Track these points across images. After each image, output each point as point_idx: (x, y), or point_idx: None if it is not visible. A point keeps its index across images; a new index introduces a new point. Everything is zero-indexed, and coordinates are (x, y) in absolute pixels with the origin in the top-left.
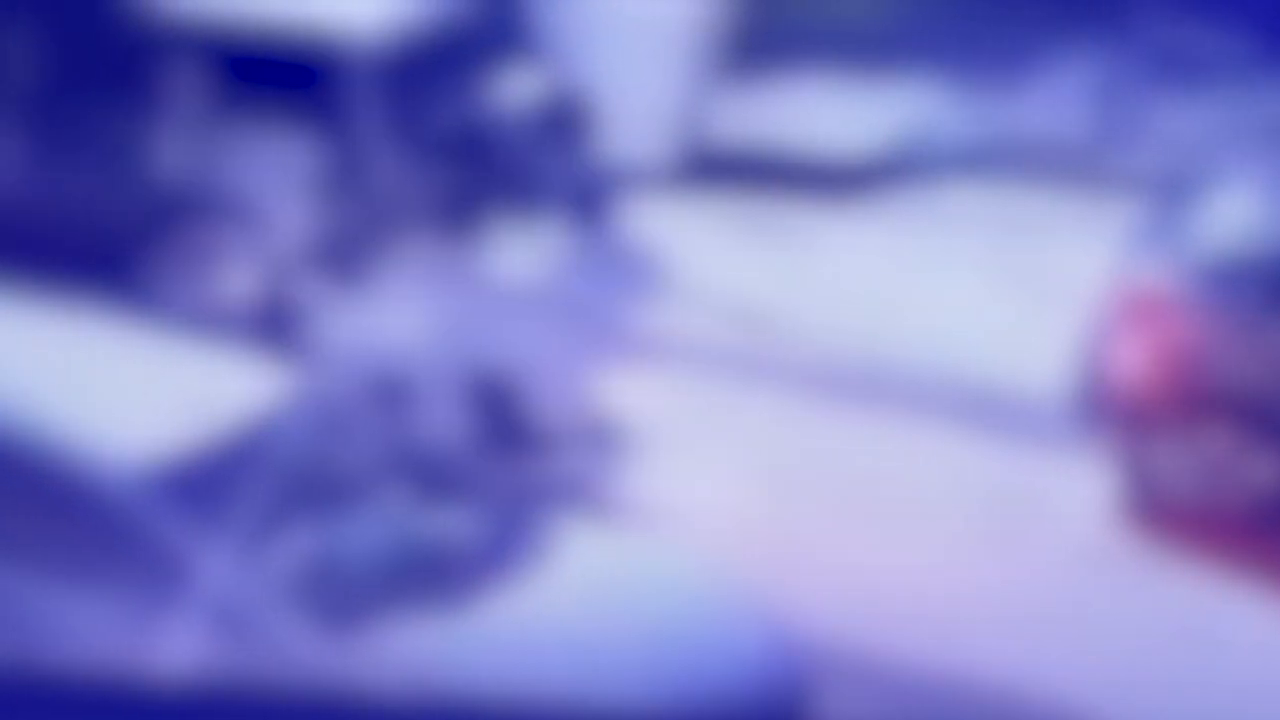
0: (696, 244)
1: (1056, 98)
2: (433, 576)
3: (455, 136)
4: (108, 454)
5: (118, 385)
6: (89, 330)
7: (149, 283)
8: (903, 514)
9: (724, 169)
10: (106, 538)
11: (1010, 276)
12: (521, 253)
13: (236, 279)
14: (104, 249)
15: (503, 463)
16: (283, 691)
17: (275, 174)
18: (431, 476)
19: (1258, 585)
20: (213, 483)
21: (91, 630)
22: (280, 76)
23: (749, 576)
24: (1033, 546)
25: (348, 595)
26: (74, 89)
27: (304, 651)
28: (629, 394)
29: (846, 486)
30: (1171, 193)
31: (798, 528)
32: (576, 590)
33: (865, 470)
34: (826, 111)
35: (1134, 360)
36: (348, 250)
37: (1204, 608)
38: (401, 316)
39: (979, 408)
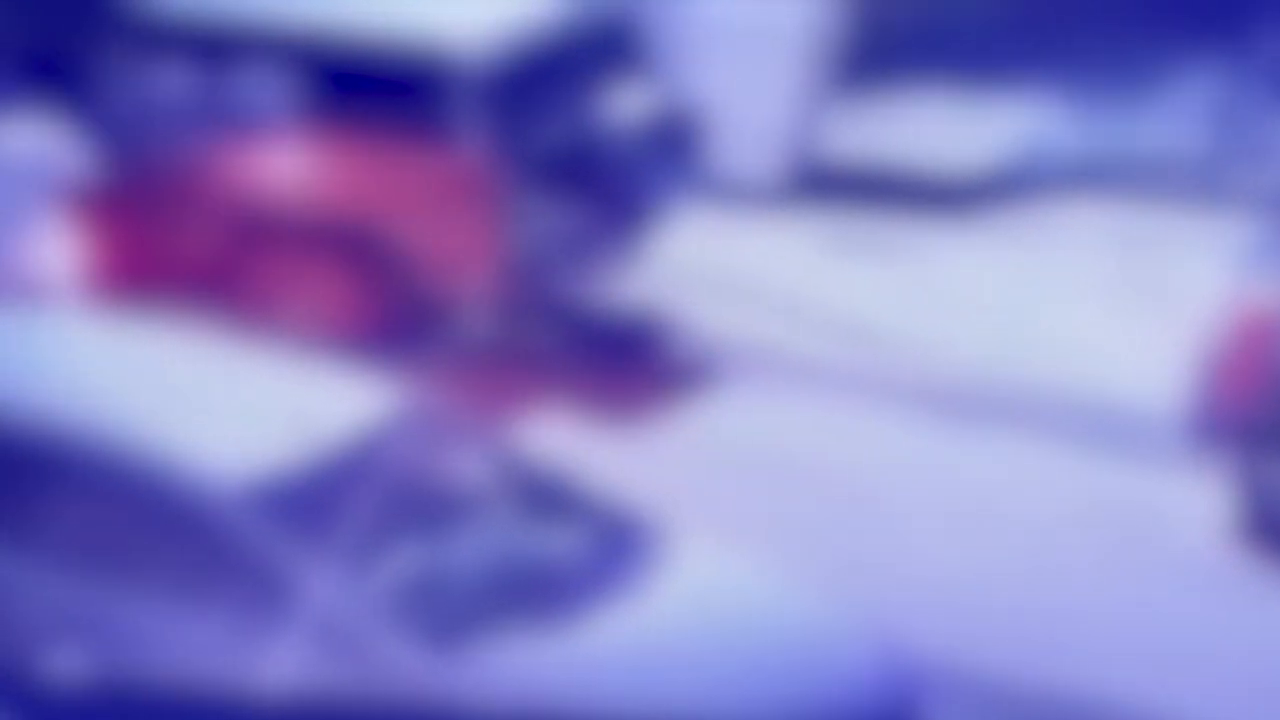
0: (808, 260)
1: (1174, 113)
2: (539, 593)
3: (564, 150)
4: (213, 471)
5: (223, 402)
6: (194, 347)
7: (254, 300)
8: (1016, 529)
9: (836, 184)
10: (212, 554)
11: (1126, 292)
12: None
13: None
14: (214, 269)
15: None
16: (387, 708)
17: (382, 194)
18: (538, 493)
19: None
20: (318, 499)
21: (197, 646)
22: (390, 90)
23: (858, 593)
24: (1148, 562)
25: (453, 612)
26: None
27: (409, 668)
28: (742, 408)
29: (961, 503)
30: None
31: (909, 543)
32: (684, 607)
33: (979, 486)
34: (940, 127)
35: (1250, 376)
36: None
37: None
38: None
39: (1094, 423)
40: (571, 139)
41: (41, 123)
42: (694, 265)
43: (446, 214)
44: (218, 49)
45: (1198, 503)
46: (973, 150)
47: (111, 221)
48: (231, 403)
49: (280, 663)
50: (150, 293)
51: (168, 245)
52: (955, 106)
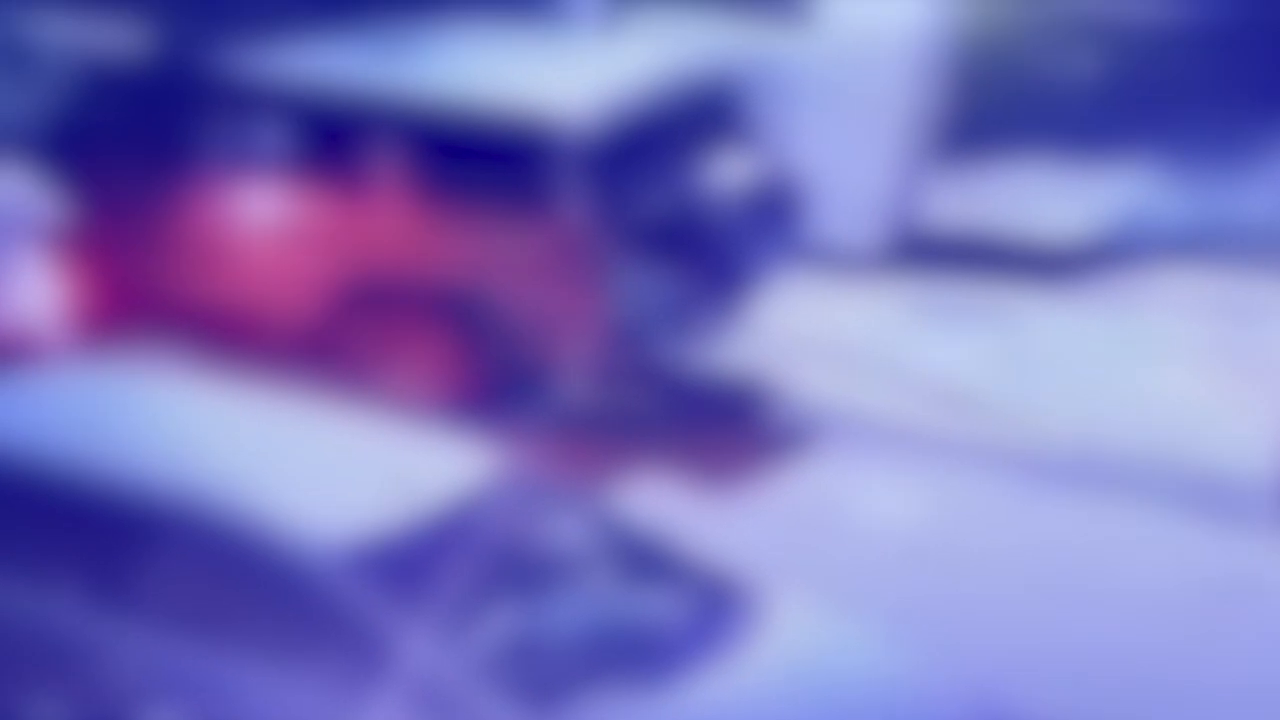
0: (907, 326)
1: (1275, 182)
2: (637, 656)
3: (666, 216)
4: (313, 533)
5: (324, 464)
6: (295, 408)
7: (356, 362)
8: (1110, 596)
9: (936, 251)
10: (311, 616)
11: (1225, 360)
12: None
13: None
14: (317, 332)
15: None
16: None
17: (484, 260)
18: (637, 556)
19: None
20: (417, 562)
21: (295, 708)
22: (494, 157)
23: (957, 658)
24: (1248, 633)
25: (551, 675)
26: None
27: None
28: (841, 473)
29: (1055, 569)
30: None
31: (1008, 611)
32: (782, 669)
33: (1073, 552)
34: (1042, 193)
35: None
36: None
37: None
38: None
39: (1193, 492)
40: (673, 205)
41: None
42: (794, 331)
43: (549, 280)
44: (322, 116)
45: None
46: (1074, 217)
47: (218, 282)
48: (332, 465)
49: None
50: (254, 353)
51: (270, 306)
52: (1057, 173)
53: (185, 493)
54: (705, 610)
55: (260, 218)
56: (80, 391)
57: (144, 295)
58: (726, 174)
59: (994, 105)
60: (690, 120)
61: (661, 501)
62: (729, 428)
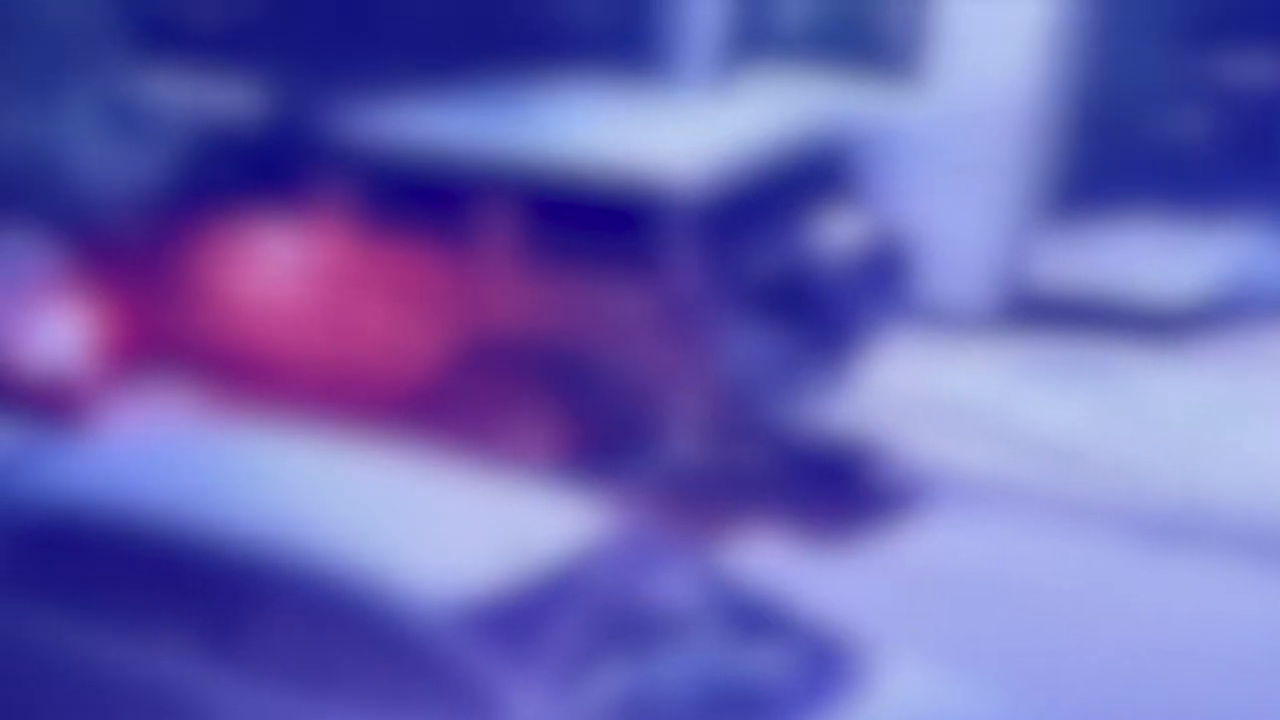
0: (1017, 385)
1: None
2: (745, 714)
3: (775, 276)
4: (423, 591)
5: (434, 523)
6: (406, 469)
7: (466, 423)
8: (1218, 658)
9: (1047, 310)
10: (420, 674)
11: None
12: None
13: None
14: (427, 392)
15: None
16: None
17: (595, 319)
18: (745, 614)
19: None
20: (524, 620)
21: None
22: (603, 217)
23: (1062, 716)
24: None
25: None
26: (388, 235)
27: None
28: (950, 532)
29: (1163, 629)
30: None
31: (1113, 668)
32: None
33: (1183, 612)
34: (1153, 253)
35: None
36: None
37: None
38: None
39: None
40: (783, 265)
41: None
42: (904, 390)
43: (659, 339)
44: (434, 177)
45: None
46: (1183, 277)
47: (330, 341)
48: (444, 523)
49: None
50: (365, 412)
51: (382, 365)
52: (1167, 233)
53: (298, 550)
54: (813, 669)
55: (373, 279)
56: (199, 451)
57: (258, 356)
58: (836, 233)
59: (1104, 165)
60: (800, 180)
61: (770, 560)
62: (838, 487)
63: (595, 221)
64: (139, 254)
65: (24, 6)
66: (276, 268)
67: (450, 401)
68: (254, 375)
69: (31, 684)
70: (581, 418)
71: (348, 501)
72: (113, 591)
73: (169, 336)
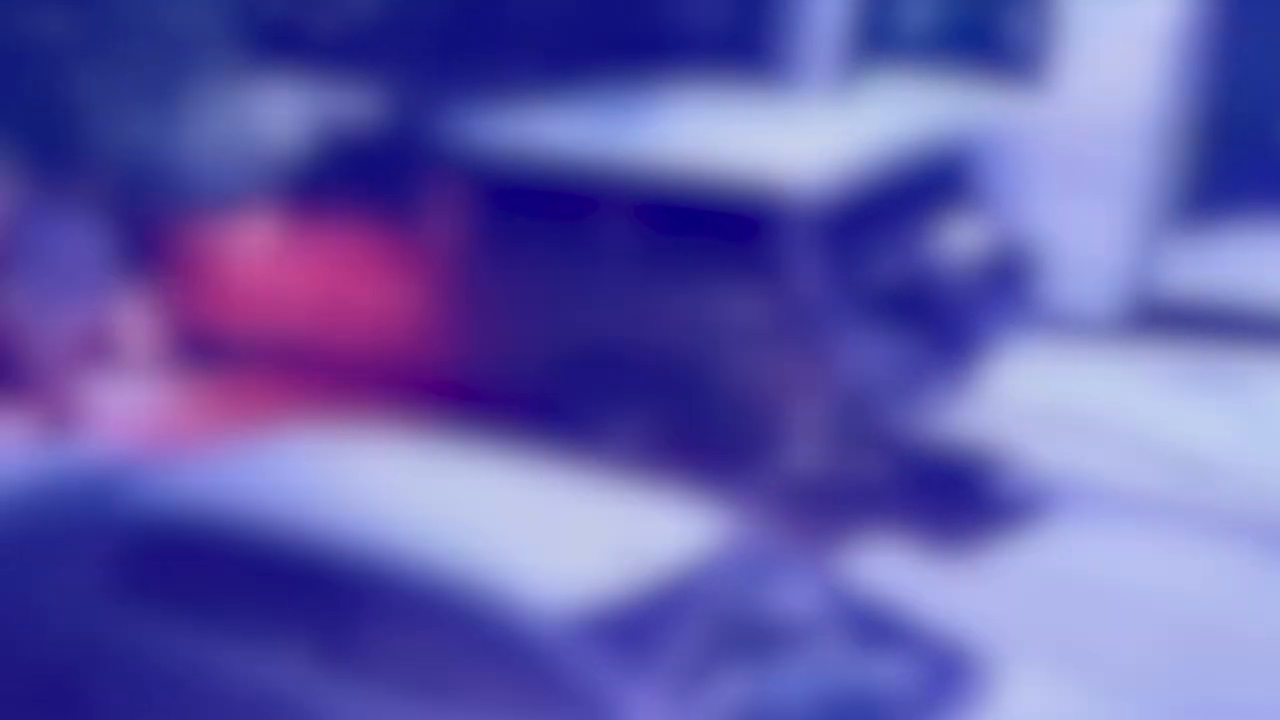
0: (1145, 394)
1: None
2: None
3: (898, 283)
4: (538, 598)
5: (548, 530)
6: (522, 477)
7: (583, 429)
8: None
9: (1175, 318)
10: (537, 683)
11: None
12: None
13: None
14: (543, 399)
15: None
16: None
17: (714, 326)
18: (866, 623)
19: None
20: (641, 629)
21: None
22: (724, 225)
23: None
24: None
25: None
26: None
27: None
28: (1077, 542)
29: None
30: None
31: (1243, 679)
32: None
33: None
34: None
35: None
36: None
37: None
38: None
39: None
40: (905, 272)
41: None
42: (1029, 399)
43: (780, 346)
44: (550, 183)
45: None
46: None
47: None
48: (560, 532)
49: None
50: (482, 419)
51: (499, 372)
52: None
53: (414, 558)
54: (935, 680)
55: (488, 285)
56: (315, 459)
57: (371, 359)
58: (960, 240)
59: (1232, 170)
60: (923, 186)
61: (892, 570)
62: (961, 496)
63: (715, 227)
64: (252, 257)
65: (143, 11)
66: (392, 272)
67: (569, 409)
68: (370, 379)
69: (149, 697)
70: (702, 427)
71: (465, 509)
72: (229, 604)
73: (275, 337)
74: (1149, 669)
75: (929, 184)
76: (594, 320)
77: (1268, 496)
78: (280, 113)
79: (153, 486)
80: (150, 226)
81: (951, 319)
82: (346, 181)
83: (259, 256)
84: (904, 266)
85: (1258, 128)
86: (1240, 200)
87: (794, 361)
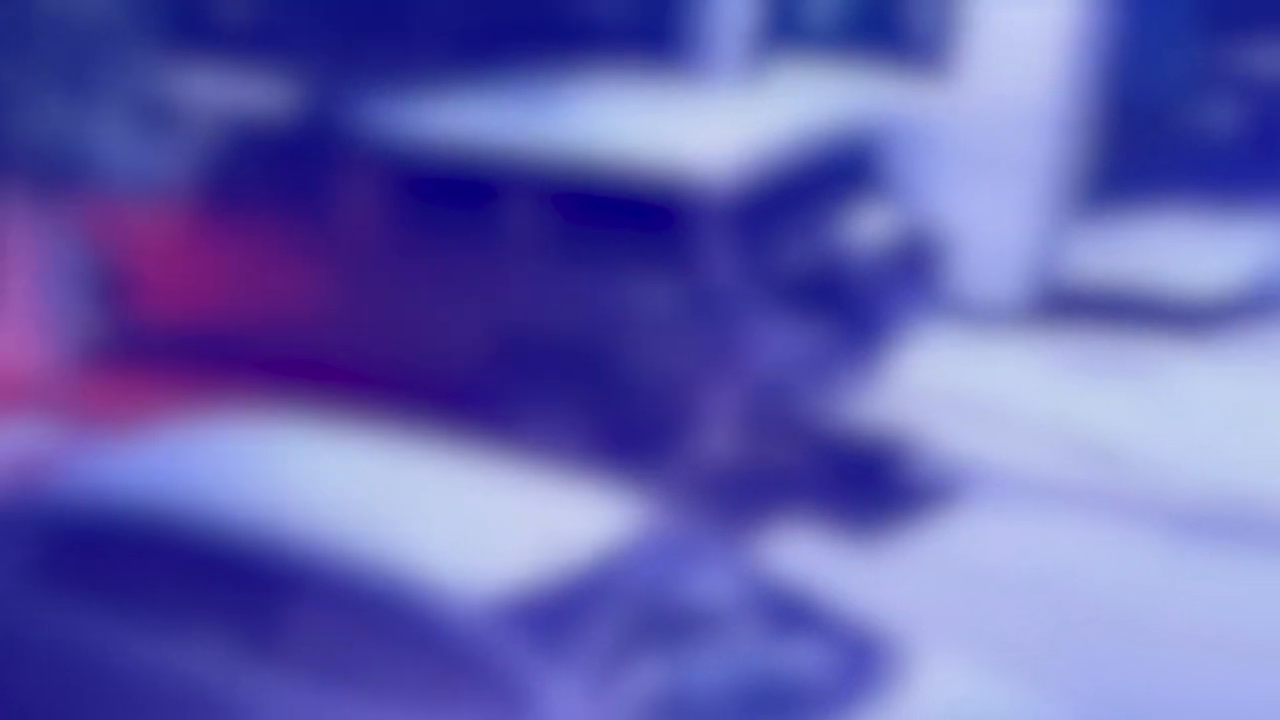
0: (1050, 380)
1: None
2: (781, 710)
3: (806, 272)
4: (457, 586)
5: (467, 518)
6: (439, 464)
7: (498, 418)
8: (1260, 652)
9: (1078, 305)
10: (457, 669)
11: None
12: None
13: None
14: (458, 387)
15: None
16: None
17: (626, 315)
18: (781, 609)
19: None
20: (560, 616)
21: None
22: (633, 213)
23: (1098, 711)
24: None
25: None
26: (416, 229)
27: None
28: (983, 527)
29: (1198, 622)
30: None
31: (1147, 661)
32: None
33: (1218, 605)
34: (1184, 247)
35: None
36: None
37: None
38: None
39: None
40: (814, 261)
41: None
42: (937, 386)
43: (691, 335)
44: (461, 172)
45: None
46: (1217, 271)
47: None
48: (478, 519)
49: None
50: (399, 407)
51: (412, 360)
52: (1201, 227)
53: (332, 546)
54: (850, 666)
55: (400, 273)
56: (230, 447)
57: (287, 346)
58: (867, 229)
59: (1134, 159)
60: (831, 175)
61: (806, 556)
62: (872, 482)
63: (626, 216)
64: (165, 246)
65: (54, 2)
66: (305, 260)
67: (483, 397)
68: (279, 368)
69: (69, 685)
70: (614, 414)
71: (383, 496)
72: (149, 591)
73: (192, 325)
74: (1057, 654)
75: (836, 173)
76: (508, 310)
77: (1172, 481)
78: (195, 101)
79: (70, 475)
80: (65, 215)
81: (860, 307)
82: (260, 169)
83: (173, 245)
84: (813, 255)
85: (1159, 117)
86: (1141, 188)
87: (706, 349)
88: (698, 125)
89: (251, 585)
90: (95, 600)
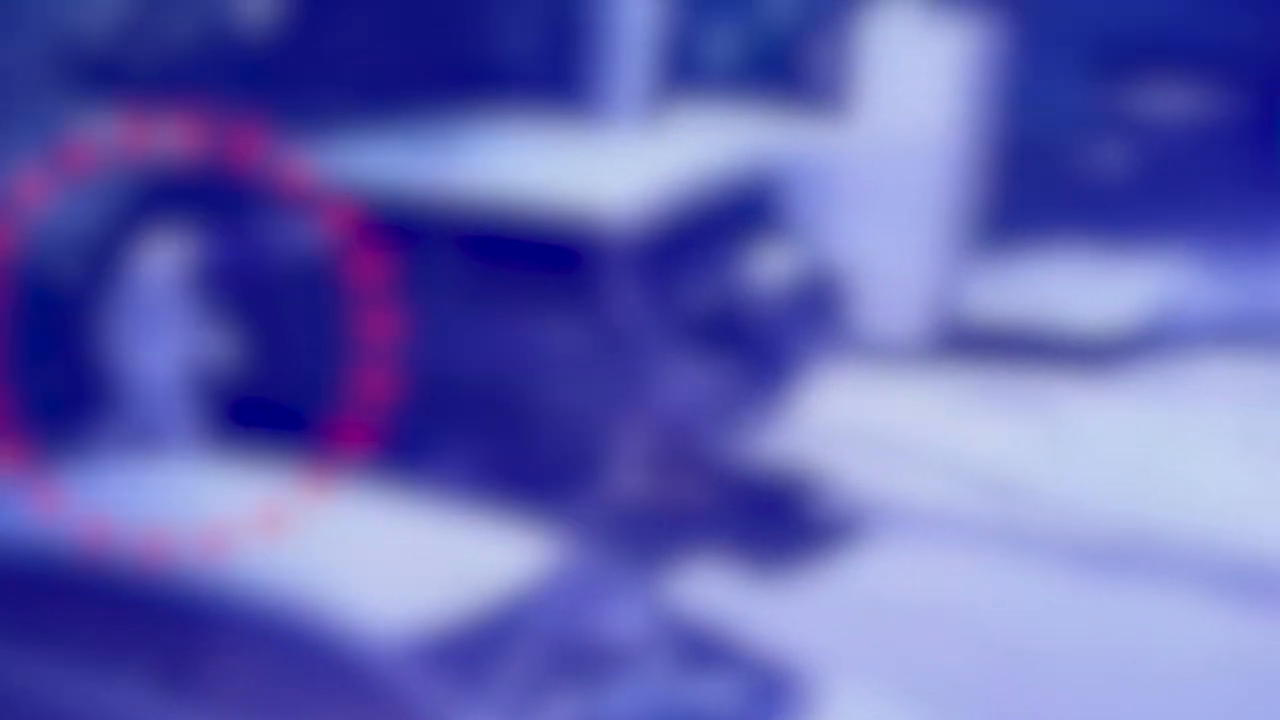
0: (952, 416)
1: None
2: None
3: (710, 310)
4: (370, 624)
5: (380, 556)
6: (352, 503)
7: (410, 457)
8: (1157, 681)
9: (978, 342)
10: (371, 705)
11: (1265, 447)
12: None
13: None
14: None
15: None
16: None
17: (533, 355)
18: (691, 645)
19: None
20: (473, 653)
21: None
22: (539, 254)
23: None
24: None
25: None
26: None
27: None
28: (889, 562)
29: (1102, 654)
30: None
31: (1053, 694)
32: None
33: (1121, 638)
34: (1081, 284)
35: None
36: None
37: None
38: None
39: (1236, 579)
40: (718, 299)
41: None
42: (840, 422)
43: (596, 374)
44: (366, 214)
45: None
46: (1113, 307)
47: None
48: (390, 556)
49: None
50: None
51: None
52: (1096, 264)
53: (247, 585)
54: (760, 699)
55: (307, 314)
56: (144, 483)
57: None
58: (770, 268)
59: (1030, 198)
60: (733, 215)
61: (715, 591)
62: (779, 518)
63: (529, 257)
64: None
65: None
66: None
67: (394, 436)
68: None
69: None
70: (525, 453)
71: (298, 535)
72: (68, 630)
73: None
74: (963, 686)
75: (738, 213)
76: (416, 350)
77: (1070, 514)
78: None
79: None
80: None
81: (764, 345)
82: (171, 217)
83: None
84: (717, 294)
85: (1055, 156)
86: (1035, 226)
87: (614, 388)
88: (601, 167)
89: (168, 623)
90: (14, 639)
